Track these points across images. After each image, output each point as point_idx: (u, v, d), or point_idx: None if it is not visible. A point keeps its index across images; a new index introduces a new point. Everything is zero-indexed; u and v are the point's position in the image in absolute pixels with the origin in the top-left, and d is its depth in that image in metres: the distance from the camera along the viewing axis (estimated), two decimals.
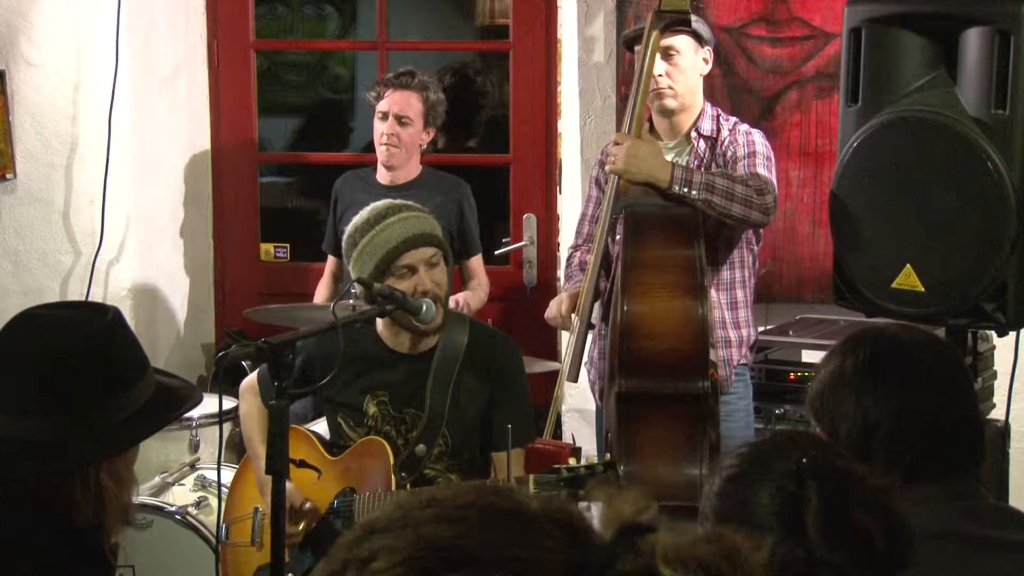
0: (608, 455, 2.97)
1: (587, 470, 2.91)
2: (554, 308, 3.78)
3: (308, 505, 3.26)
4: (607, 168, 3.59)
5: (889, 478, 1.99)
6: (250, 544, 3.35)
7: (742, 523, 1.62)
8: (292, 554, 3.32)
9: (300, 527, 3.26)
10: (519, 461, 3.32)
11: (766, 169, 3.65)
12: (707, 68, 3.80)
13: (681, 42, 3.70)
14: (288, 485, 3.23)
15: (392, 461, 3.21)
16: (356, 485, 3.27)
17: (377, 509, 3.14)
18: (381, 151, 4.46)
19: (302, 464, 3.34)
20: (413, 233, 3.18)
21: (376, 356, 3.31)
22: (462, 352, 3.28)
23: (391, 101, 4.42)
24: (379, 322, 3.29)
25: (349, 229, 3.28)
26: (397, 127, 4.42)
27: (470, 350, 3.29)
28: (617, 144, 3.56)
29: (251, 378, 3.43)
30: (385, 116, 4.43)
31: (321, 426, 3.72)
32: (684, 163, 3.74)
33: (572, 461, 2.97)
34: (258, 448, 3.31)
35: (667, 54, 3.69)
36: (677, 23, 3.60)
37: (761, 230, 3.80)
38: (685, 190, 3.47)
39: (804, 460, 1.57)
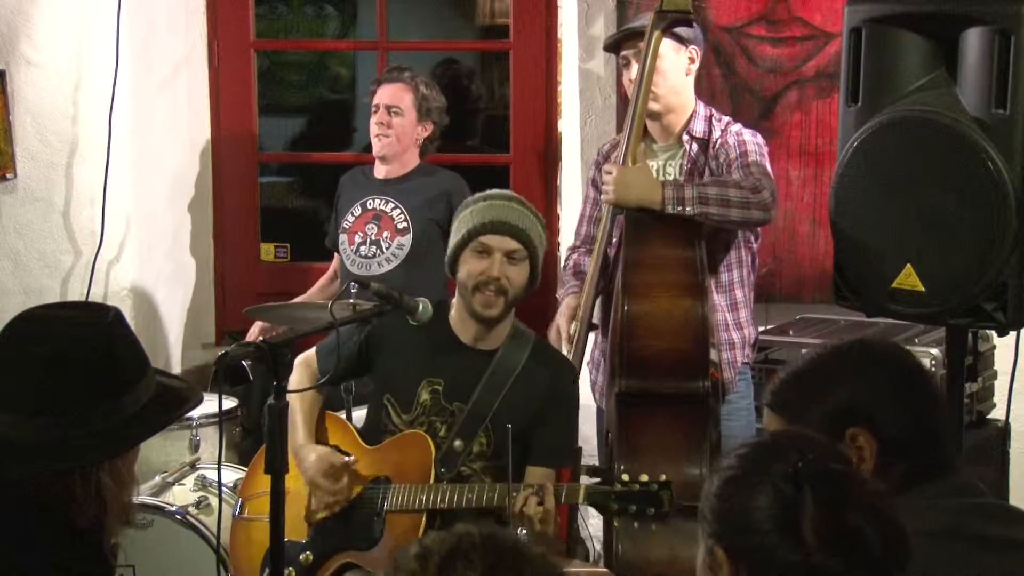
0: (664, 476, 2.96)
1: (641, 487, 2.92)
2: (556, 330, 3.72)
3: (350, 458, 3.30)
4: (603, 199, 3.59)
5: (892, 479, 2.00)
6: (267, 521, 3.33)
7: (741, 525, 1.62)
8: (309, 533, 3.34)
9: (343, 483, 3.29)
10: (549, 480, 3.32)
11: (758, 166, 3.63)
12: (693, 67, 3.77)
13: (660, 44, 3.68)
14: (324, 449, 3.33)
15: (433, 454, 3.24)
16: (392, 475, 3.29)
17: (408, 500, 3.18)
18: (374, 143, 4.52)
19: (335, 450, 3.36)
20: (505, 220, 3.27)
21: (443, 342, 3.36)
22: (522, 362, 3.33)
23: (381, 94, 4.49)
24: (452, 307, 3.37)
25: (465, 200, 3.42)
26: (387, 116, 4.47)
27: (528, 366, 3.33)
28: (608, 174, 3.57)
29: (309, 352, 3.49)
30: (377, 108, 4.49)
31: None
32: (678, 166, 3.74)
33: (625, 477, 2.96)
34: (295, 417, 3.35)
35: None
36: (679, 23, 3.59)
37: (759, 232, 3.80)
38: (679, 208, 3.46)
39: (800, 464, 1.56)
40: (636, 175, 3.54)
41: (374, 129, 4.49)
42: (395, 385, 3.37)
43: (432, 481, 3.21)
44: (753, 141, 3.72)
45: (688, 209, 3.45)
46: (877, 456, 2.01)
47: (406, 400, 3.35)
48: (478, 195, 3.40)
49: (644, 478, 2.94)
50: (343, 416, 3.67)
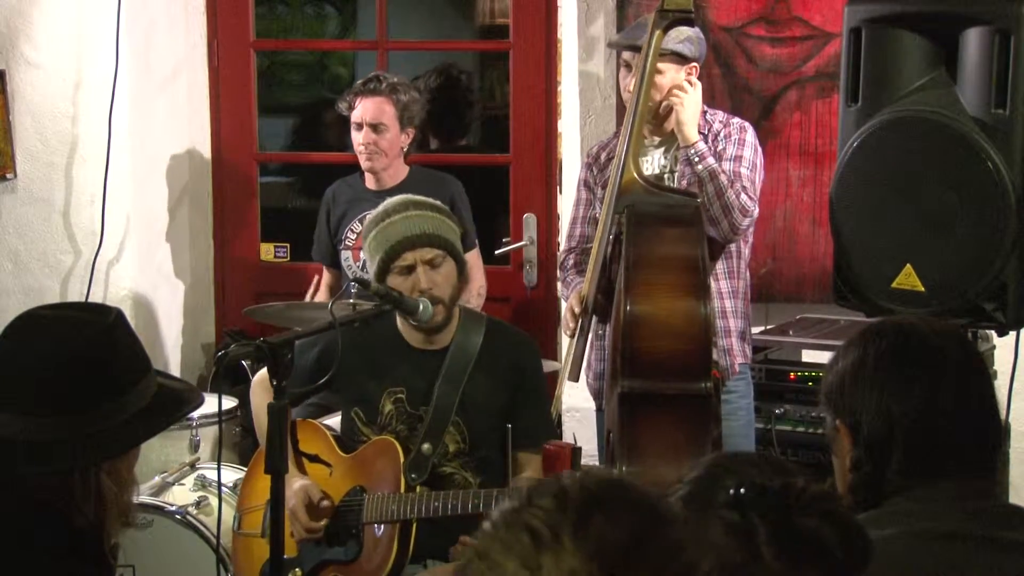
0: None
1: None
2: (570, 312, 3.73)
3: (325, 503, 3.29)
4: (673, 100, 3.71)
5: (907, 477, 1.99)
6: (260, 536, 3.35)
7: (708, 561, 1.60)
8: (300, 548, 3.35)
9: (322, 523, 3.29)
10: (536, 462, 3.34)
11: (750, 180, 3.69)
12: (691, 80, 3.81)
13: (660, 65, 3.69)
14: (307, 481, 3.31)
15: (402, 460, 3.23)
16: (366, 484, 3.29)
17: (383, 511, 3.20)
18: (362, 161, 4.47)
19: (315, 459, 3.37)
20: (413, 233, 3.24)
21: (395, 349, 3.36)
22: (476, 351, 3.33)
23: (363, 110, 4.42)
24: (398, 315, 3.34)
25: (366, 221, 3.36)
26: (373, 135, 4.42)
27: (486, 349, 3.34)
28: (690, 84, 3.74)
29: (263, 373, 3.44)
30: (360, 126, 4.43)
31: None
32: (672, 157, 3.81)
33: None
34: None
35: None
36: (680, 22, 3.59)
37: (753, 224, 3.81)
38: (697, 160, 3.65)
39: (740, 490, 1.55)
40: (698, 107, 3.72)
41: (361, 149, 4.44)
42: (359, 398, 3.36)
43: (403, 488, 3.21)
44: (753, 143, 3.77)
45: (700, 166, 3.65)
46: (862, 453, 2.01)
47: (371, 412, 3.34)
48: (378, 214, 3.32)
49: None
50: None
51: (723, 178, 3.61)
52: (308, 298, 4.62)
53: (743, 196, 3.64)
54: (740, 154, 3.73)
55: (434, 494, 3.18)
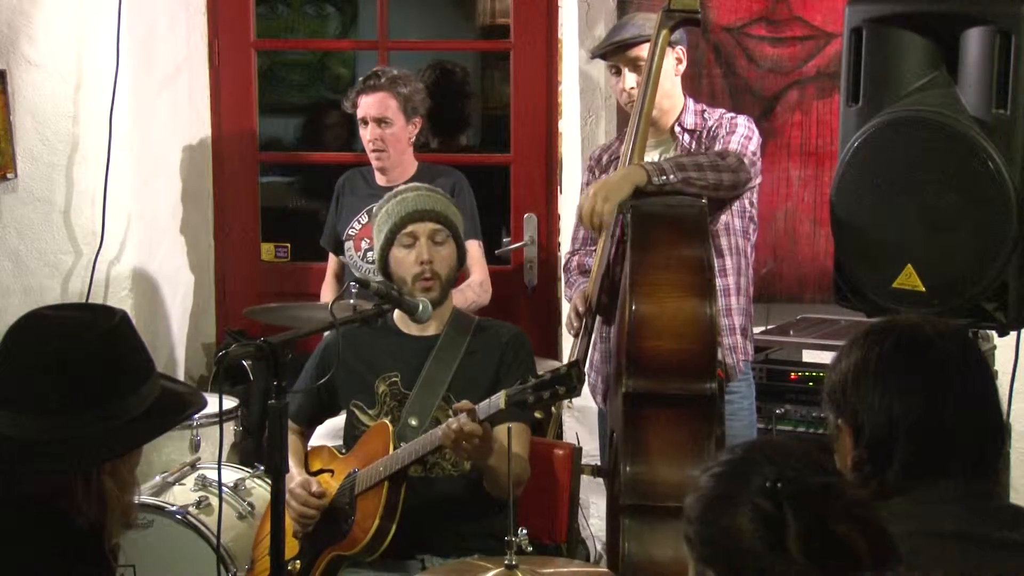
0: (573, 360, 3.18)
1: (551, 374, 3.04)
2: (574, 310, 3.73)
3: (322, 488, 3.41)
4: (583, 214, 3.47)
5: (909, 477, 1.99)
6: (267, 555, 3.38)
7: (729, 549, 1.60)
8: (300, 545, 3.43)
9: (320, 500, 3.39)
10: (523, 438, 3.40)
11: (739, 144, 3.65)
12: (680, 67, 3.80)
13: (647, 52, 3.68)
14: (308, 477, 3.44)
15: (391, 430, 3.33)
16: (360, 466, 3.38)
17: (372, 477, 3.22)
18: (372, 158, 4.50)
19: (318, 472, 3.50)
20: (421, 207, 3.44)
21: (388, 337, 3.50)
22: (468, 335, 3.47)
23: (366, 106, 4.45)
24: None
25: (379, 201, 3.58)
26: (378, 130, 4.45)
27: (477, 333, 3.49)
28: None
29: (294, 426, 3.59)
30: (365, 122, 4.46)
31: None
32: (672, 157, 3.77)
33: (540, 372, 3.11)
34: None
35: (636, 65, 3.71)
36: (686, 23, 3.59)
37: (756, 224, 3.80)
38: (664, 178, 3.42)
39: (779, 484, 1.54)
40: (612, 176, 3.51)
41: (369, 145, 4.47)
42: (357, 389, 3.47)
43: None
44: (745, 124, 3.73)
45: (671, 177, 3.42)
46: (861, 452, 2.01)
47: (369, 399, 3.45)
48: (390, 194, 3.54)
49: (554, 366, 3.11)
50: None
51: (684, 159, 3.49)
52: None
53: (710, 157, 3.54)
54: (730, 132, 3.70)
55: (413, 441, 3.24)
